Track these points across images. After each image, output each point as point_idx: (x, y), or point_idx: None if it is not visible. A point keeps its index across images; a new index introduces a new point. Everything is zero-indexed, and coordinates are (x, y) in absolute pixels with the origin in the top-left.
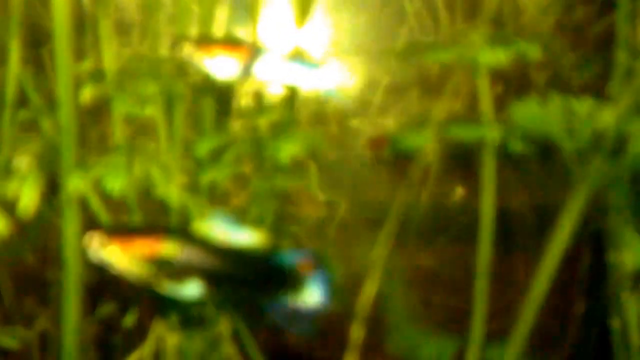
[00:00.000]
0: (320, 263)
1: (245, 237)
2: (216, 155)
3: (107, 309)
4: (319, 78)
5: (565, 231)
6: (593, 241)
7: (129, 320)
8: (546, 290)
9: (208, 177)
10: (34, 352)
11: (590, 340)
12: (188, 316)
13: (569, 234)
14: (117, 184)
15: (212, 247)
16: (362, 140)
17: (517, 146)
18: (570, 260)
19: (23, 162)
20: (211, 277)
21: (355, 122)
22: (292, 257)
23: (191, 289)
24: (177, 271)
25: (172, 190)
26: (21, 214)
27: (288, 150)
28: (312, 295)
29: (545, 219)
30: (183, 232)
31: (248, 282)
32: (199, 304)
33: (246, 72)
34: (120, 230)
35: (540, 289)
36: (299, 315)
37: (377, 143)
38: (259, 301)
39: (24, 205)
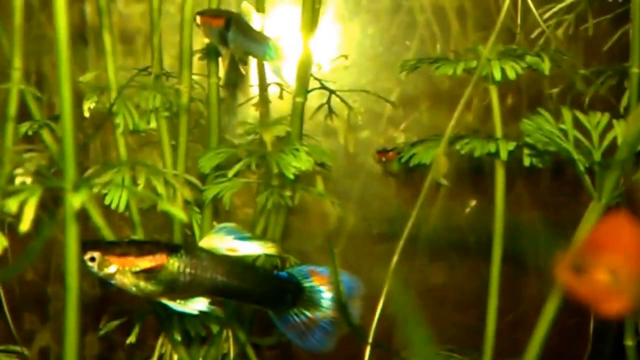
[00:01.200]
0: (334, 279)
1: (253, 250)
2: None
3: (110, 325)
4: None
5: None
6: None
7: (133, 336)
8: (559, 306)
9: (213, 191)
10: None
11: (604, 358)
12: (193, 333)
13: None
14: (120, 198)
15: (218, 262)
16: (372, 152)
17: (530, 161)
18: None
19: (25, 176)
20: (217, 293)
21: (365, 134)
22: (304, 272)
23: (197, 305)
24: (181, 287)
25: (176, 205)
26: (22, 230)
27: (295, 164)
28: (325, 311)
29: (558, 234)
30: (188, 247)
31: (257, 297)
32: (204, 319)
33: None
34: (123, 247)
35: (553, 305)
36: (311, 331)
37: (386, 155)
38: (270, 316)
39: (25, 222)
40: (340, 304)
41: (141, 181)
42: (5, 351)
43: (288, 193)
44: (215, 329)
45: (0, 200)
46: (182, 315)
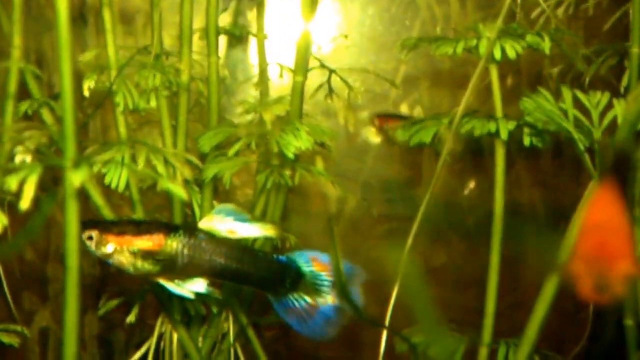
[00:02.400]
0: (335, 264)
1: (253, 232)
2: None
3: (110, 304)
4: None
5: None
6: None
7: (132, 316)
8: (558, 287)
9: (213, 170)
10: (34, 348)
11: (604, 339)
12: (193, 312)
13: None
14: (120, 177)
15: (217, 243)
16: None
17: (530, 140)
18: None
19: (25, 154)
20: (216, 275)
21: (365, 114)
22: (305, 258)
23: (195, 287)
24: (179, 268)
25: (176, 183)
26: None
27: (295, 144)
28: (326, 297)
29: (558, 214)
30: (187, 228)
31: (256, 280)
32: (204, 299)
33: None
34: (121, 226)
35: (552, 286)
36: (312, 317)
37: (388, 122)
38: (269, 300)
39: (25, 200)
40: (342, 288)
41: (141, 160)
42: (5, 330)
43: (288, 172)
44: (215, 308)
45: (0, 178)
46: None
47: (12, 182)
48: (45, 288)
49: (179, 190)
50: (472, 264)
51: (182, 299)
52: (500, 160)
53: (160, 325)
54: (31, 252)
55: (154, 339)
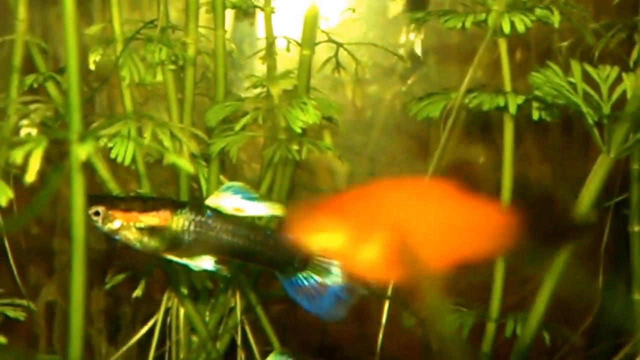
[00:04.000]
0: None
1: (260, 210)
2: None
3: (116, 279)
4: None
5: (588, 200)
6: (616, 212)
7: (139, 290)
8: (567, 260)
9: (219, 145)
10: (40, 322)
11: (612, 313)
12: (200, 286)
13: (591, 203)
14: (126, 151)
15: (224, 221)
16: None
17: (539, 114)
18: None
19: (30, 128)
20: (223, 252)
21: (373, 89)
22: None
23: (202, 264)
24: (185, 245)
25: (182, 159)
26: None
27: (303, 118)
28: (335, 277)
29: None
30: (195, 205)
31: (263, 259)
32: (211, 274)
33: None
34: (128, 202)
35: (562, 259)
36: (321, 297)
37: None
38: (279, 279)
39: (30, 173)
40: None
41: (147, 134)
42: (11, 304)
43: (295, 147)
44: (222, 283)
45: (5, 151)
46: (189, 269)
47: (17, 155)
48: (51, 262)
49: (185, 164)
50: None
51: (188, 273)
52: (509, 134)
53: (167, 300)
54: (37, 226)
55: (160, 314)
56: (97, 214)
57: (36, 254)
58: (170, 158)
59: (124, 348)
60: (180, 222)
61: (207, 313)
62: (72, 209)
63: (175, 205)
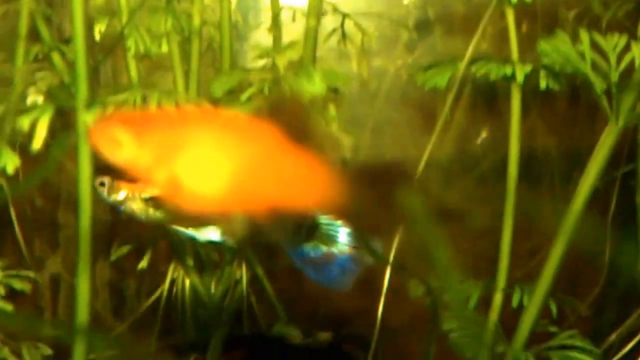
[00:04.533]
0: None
1: None
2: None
3: (121, 250)
4: None
5: (596, 170)
6: (622, 182)
7: (144, 262)
8: (575, 231)
9: None
10: (45, 294)
11: (618, 284)
12: (205, 257)
13: (599, 173)
14: None
15: None
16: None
17: (546, 83)
18: (599, 202)
19: (37, 95)
20: None
21: (379, 60)
22: None
23: (208, 234)
24: (192, 216)
25: None
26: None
27: (309, 88)
28: (343, 247)
29: (573, 160)
30: None
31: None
32: (217, 245)
33: None
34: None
35: (569, 228)
36: (328, 267)
37: None
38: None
39: (37, 140)
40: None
41: (153, 103)
42: (17, 276)
43: None
44: (227, 254)
45: (12, 118)
46: (195, 240)
47: (24, 122)
48: (56, 235)
49: None
50: (487, 211)
51: (194, 245)
52: (516, 105)
53: (172, 272)
54: (41, 198)
55: (165, 286)
56: (102, 184)
57: (41, 227)
58: None
59: (129, 320)
60: None
61: (213, 284)
62: (78, 177)
63: None
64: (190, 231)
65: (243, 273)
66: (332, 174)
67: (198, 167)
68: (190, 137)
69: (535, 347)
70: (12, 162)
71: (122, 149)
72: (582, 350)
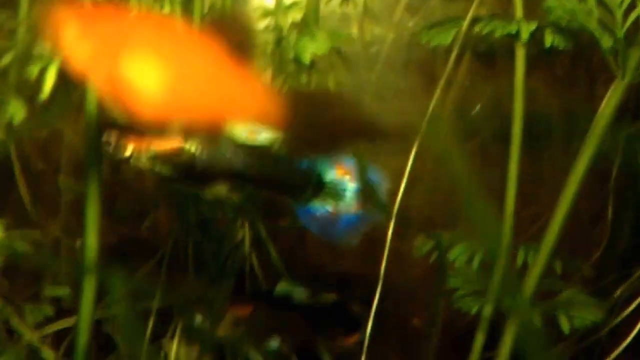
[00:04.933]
0: (359, 170)
1: (274, 135)
2: None
3: (123, 212)
4: None
5: (602, 127)
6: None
7: (147, 223)
8: (578, 192)
9: None
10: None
11: (620, 246)
12: (208, 220)
13: (604, 130)
14: None
15: (236, 147)
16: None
17: (551, 40)
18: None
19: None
20: (235, 180)
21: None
22: (327, 163)
23: (215, 191)
24: (197, 173)
25: None
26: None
27: (312, 48)
28: (349, 204)
29: (577, 121)
30: None
31: (276, 186)
32: (219, 204)
33: None
34: (140, 129)
35: (572, 190)
36: (335, 224)
37: None
38: (291, 206)
39: (45, 88)
40: (366, 185)
41: None
42: (20, 235)
43: (304, 79)
44: (230, 213)
45: (20, 67)
46: (197, 200)
47: (33, 71)
48: (57, 200)
49: None
50: (490, 175)
51: (196, 204)
52: (520, 64)
53: (175, 233)
54: (42, 162)
55: (168, 247)
56: (109, 142)
57: (41, 192)
58: None
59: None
60: (192, 149)
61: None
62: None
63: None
64: (196, 188)
65: (246, 233)
66: (267, 89)
67: (139, 64)
68: (136, 37)
69: (540, 304)
70: (19, 112)
71: (70, 35)
72: (587, 305)
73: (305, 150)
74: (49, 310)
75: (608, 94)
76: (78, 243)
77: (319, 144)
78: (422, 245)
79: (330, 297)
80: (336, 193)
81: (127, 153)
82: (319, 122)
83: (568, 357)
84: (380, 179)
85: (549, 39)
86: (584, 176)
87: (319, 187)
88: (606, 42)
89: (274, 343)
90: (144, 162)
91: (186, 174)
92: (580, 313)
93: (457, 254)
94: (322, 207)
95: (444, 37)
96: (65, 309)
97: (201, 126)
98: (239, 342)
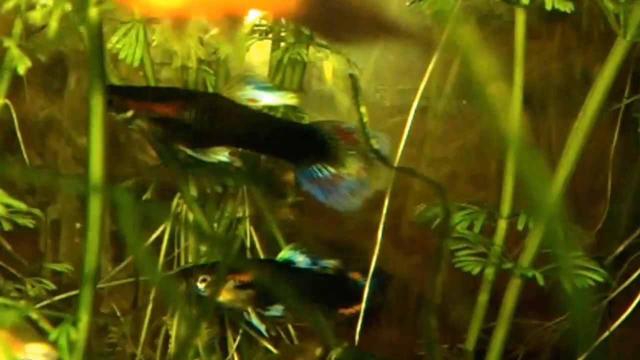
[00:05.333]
0: (362, 136)
1: (274, 100)
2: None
3: (124, 186)
4: None
5: (604, 86)
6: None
7: (148, 193)
8: (581, 152)
9: (228, 48)
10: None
11: (621, 216)
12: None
13: (607, 89)
14: (134, 53)
15: (238, 111)
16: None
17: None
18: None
19: None
20: (237, 143)
21: None
22: (329, 127)
23: (216, 155)
24: (199, 135)
25: (190, 62)
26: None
27: None
28: (351, 168)
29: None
30: (208, 96)
31: (278, 149)
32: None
33: None
34: (142, 92)
35: (575, 149)
36: (336, 189)
37: None
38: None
39: (49, 32)
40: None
41: (156, 36)
42: (19, 212)
43: (304, 50)
44: (231, 188)
45: (24, 13)
46: (198, 174)
47: (36, 15)
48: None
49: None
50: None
51: (198, 178)
52: (521, 28)
53: (176, 207)
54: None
55: (169, 221)
56: (111, 102)
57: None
58: (178, 63)
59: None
60: (193, 112)
61: (217, 218)
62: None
63: (188, 96)
64: (197, 152)
65: (246, 207)
66: None
67: None
68: None
69: (541, 268)
70: (23, 63)
71: None
72: (588, 269)
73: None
74: (50, 285)
75: (611, 52)
76: None
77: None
78: (422, 214)
79: (333, 265)
80: (337, 157)
81: (129, 114)
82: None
83: None
84: (383, 142)
85: (549, 2)
86: (587, 135)
87: (320, 151)
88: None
89: (277, 309)
90: (145, 123)
91: (187, 137)
92: (582, 275)
93: (459, 220)
94: (323, 171)
95: (444, 3)
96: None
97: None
98: (239, 307)
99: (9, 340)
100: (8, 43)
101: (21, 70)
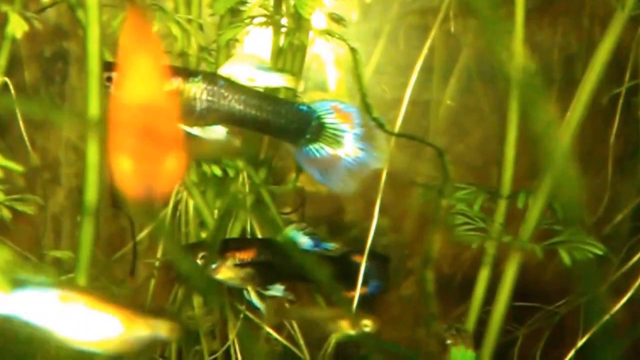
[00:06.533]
0: (360, 117)
1: (273, 81)
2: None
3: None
4: None
5: (602, 59)
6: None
7: None
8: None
9: (228, 35)
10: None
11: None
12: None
13: (605, 63)
14: None
15: (236, 90)
16: None
17: None
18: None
19: None
20: (235, 122)
21: None
22: (327, 107)
23: (214, 133)
24: (197, 114)
25: (191, 50)
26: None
27: (312, 4)
28: (347, 149)
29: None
30: (207, 74)
31: (275, 129)
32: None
33: None
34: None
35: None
36: (333, 168)
37: None
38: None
39: None
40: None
41: (156, 23)
42: (21, 199)
43: (304, 35)
44: (231, 172)
45: None
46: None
47: None
48: (58, 172)
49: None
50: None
51: (198, 163)
52: (520, 7)
53: (176, 193)
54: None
55: (170, 206)
56: (109, 79)
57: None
58: (179, 46)
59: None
60: (192, 89)
61: (218, 204)
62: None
63: (187, 74)
64: (196, 130)
65: (246, 190)
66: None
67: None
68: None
69: (540, 242)
70: (20, 28)
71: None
72: (586, 243)
73: None
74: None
75: (610, 25)
76: None
77: None
78: (424, 194)
79: (338, 247)
80: (334, 137)
81: None
82: None
83: None
84: (381, 122)
85: None
86: (586, 109)
87: (317, 131)
88: None
89: (277, 289)
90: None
91: (186, 115)
92: (582, 247)
93: (458, 199)
94: (321, 151)
95: None
96: None
97: None
98: (239, 285)
99: (132, 319)
100: (6, 8)
101: (18, 35)
